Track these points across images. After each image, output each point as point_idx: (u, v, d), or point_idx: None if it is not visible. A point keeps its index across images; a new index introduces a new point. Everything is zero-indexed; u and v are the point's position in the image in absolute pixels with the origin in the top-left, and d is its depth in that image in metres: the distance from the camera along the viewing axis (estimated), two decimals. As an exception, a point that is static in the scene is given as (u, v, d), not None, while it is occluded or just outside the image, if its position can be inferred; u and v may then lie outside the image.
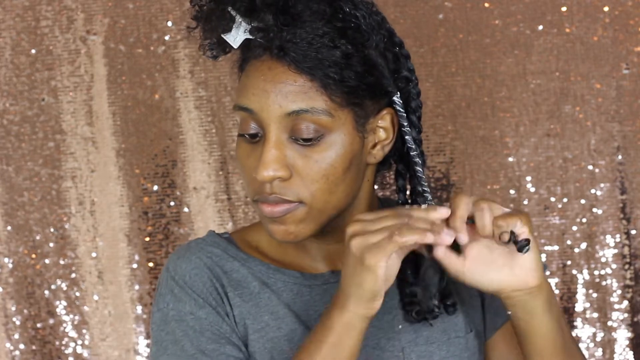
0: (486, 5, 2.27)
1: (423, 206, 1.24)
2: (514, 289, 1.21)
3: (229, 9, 1.22)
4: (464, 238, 1.19)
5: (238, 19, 1.22)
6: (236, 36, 1.23)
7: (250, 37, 1.23)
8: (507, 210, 1.19)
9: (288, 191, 1.24)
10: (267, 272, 1.32)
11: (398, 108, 1.27)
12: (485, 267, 1.21)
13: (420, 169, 1.28)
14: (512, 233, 1.17)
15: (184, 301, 1.28)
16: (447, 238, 1.18)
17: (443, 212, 1.19)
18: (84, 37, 2.33)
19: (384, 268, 1.16)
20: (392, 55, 1.28)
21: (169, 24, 2.32)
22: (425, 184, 1.28)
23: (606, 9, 2.25)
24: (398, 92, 1.27)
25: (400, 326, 1.30)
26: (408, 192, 1.33)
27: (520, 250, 1.17)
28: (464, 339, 1.34)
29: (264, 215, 1.26)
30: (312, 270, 1.34)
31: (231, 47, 1.25)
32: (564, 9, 2.26)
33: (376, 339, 1.30)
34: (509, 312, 1.26)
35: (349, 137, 1.24)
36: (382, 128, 1.28)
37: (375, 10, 1.27)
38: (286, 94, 1.22)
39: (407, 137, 1.28)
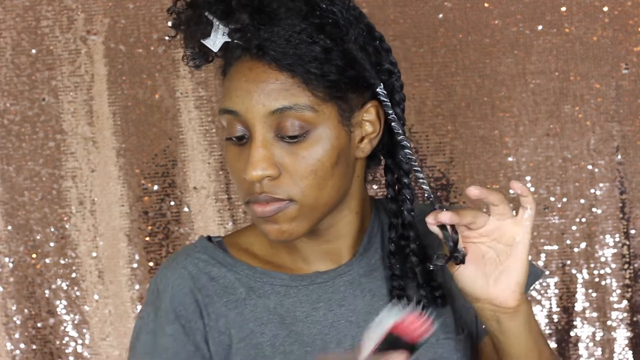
0: (486, 5, 2.27)
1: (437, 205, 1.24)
2: (492, 303, 1.22)
3: (206, 13, 1.22)
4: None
5: (215, 22, 1.22)
6: (215, 40, 1.23)
7: (229, 39, 1.23)
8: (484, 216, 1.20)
9: (278, 189, 1.24)
10: (254, 276, 1.32)
11: (382, 99, 1.27)
12: (474, 270, 1.21)
13: (412, 156, 1.28)
14: (451, 238, 1.19)
15: (159, 315, 1.30)
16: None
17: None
18: (84, 37, 2.33)
19: None
20: (372, 49, 1.28)
21: (169, 24, 2.31)
22: (419, 169, 1.28)
23: (605, 9, 2.25)
24: (381, 84, 1.27)
25: None
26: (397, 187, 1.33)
27: (453, 260, 1.20)
28: (453, 341, 1.33)
29: (256, 216, 1.27)
30: (303, 270, 1.34)
31: (213, 55, 1.25)
32: (563, 9, 2.26)
33: (362, 339, 1.30)
34: (484, 327, 1.26)
35: (335, 131, 1.24)
36: (368, 121, 1.28)
37: (352, 5, 1.27)
38: (269, 92, 1.22)
39: (393, 123, 1.28)
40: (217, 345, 1.30)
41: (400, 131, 1.28)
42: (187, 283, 1.31)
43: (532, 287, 1.42)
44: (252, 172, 1.22)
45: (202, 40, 1.24)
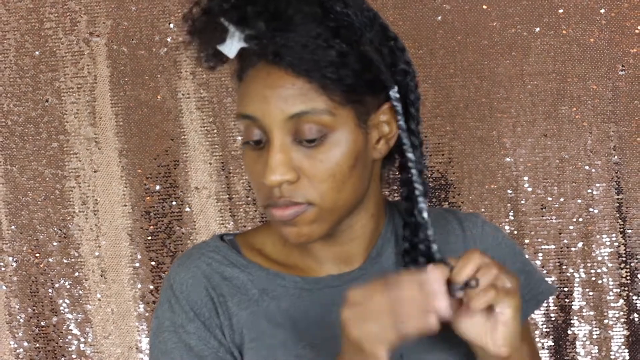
0: (484, 7, 2.27)
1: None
2: (485, 349, 1.22)
3: (222, 19, 1.22)
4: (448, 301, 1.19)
5: (231, 29, 1.22)
6: (231, 46, 1.23)
7: (245, 45, 1.23)
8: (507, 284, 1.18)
9: (296, 193, 1.24)
10: (267, 278, 1.32)
11: (394, 103, 1.27)
12: (470, 320, 1.21)
13: (413, 164, 1.28)
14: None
15: (178, 313, 1.30)
16: (445, 311, 1.16)
17: (435, 285, 1.16)
18: (87, 38, 2.34)
19: (385, 357, 1.15)
20: (387, 50, 1.28)
21: (171, 25, 2.32)
22: (418, 180, 1.27)
23: (602, 10, 2.25)
24: (396, 86, 1.27)
25: None
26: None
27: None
28: (465, 347, 1.29)
29: (275, 219, 1.27)
30: (315, 273, 1.34)
31: (227, 57, 1.25)
32: (560, 11, 2.26)
33: None
34: None
35: (352, 134, 1.24)
36: (385, 122, 1.28)
37: (366, 7, 1.27)
38: (286, 97, 1.22)
39: (399, 130, 1.28)
40: (231, 343, 1.30)
41: (405, 141, 1.27)
42: (201, 281, 1.30)
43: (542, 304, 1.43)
44: (271, 177, 1.23)
45: (218, 47, 1.24)
